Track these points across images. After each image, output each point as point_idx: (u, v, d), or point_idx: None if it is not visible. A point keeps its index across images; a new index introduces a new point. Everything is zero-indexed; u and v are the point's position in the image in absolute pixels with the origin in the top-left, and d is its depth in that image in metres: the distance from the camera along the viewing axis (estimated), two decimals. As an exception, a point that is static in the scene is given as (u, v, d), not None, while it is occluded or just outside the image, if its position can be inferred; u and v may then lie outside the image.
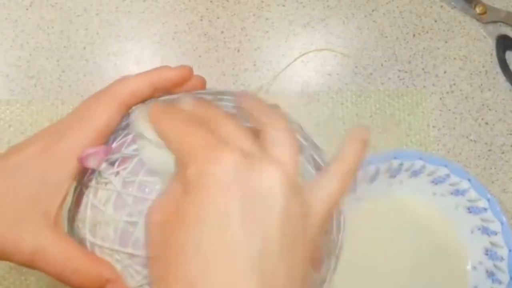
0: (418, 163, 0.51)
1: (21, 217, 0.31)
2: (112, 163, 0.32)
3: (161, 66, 0.36)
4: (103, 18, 0.56)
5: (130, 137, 0.33)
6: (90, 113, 0.33)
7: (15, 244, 0.31)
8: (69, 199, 0.35)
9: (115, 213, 0.31)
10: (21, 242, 0.31)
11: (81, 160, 0.32)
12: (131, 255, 0.31)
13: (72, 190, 0.34)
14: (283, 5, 0.58)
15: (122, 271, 0.31)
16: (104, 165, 0.32)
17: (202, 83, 0.37)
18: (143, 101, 0.35)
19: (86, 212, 0.32)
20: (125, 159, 0.32)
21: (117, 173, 0.32)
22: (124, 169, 0.32)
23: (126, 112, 0.35)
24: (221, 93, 0.36)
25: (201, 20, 0.57)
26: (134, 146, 0.32)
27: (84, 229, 0.32)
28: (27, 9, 0.56)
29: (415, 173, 0.52)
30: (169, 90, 0.36)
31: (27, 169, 0.32)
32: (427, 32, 0.59)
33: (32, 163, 0.32)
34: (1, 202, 0.31)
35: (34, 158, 0.32)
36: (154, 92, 0.35)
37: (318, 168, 0.35)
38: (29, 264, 0.31)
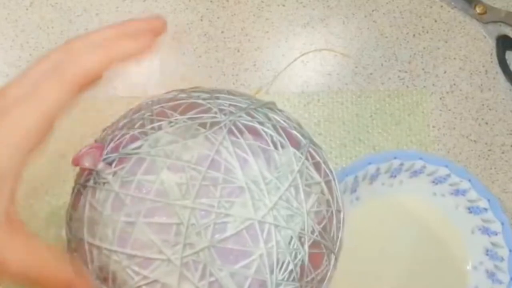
0: (419, 163, 0.51)
1: None
2: (109, 163, 0.32)
3: (125, 22, 0.32)
4: (103, 18, 0.56)
5: (127, 136, 0.33)
6: (36, 92, 0.29)
7: None
8: (66, 200, 0.34)
9: (113, 213, 0.31)
10: None
11: (76, 160, 0.32)
12: (130, 256, 0.31)
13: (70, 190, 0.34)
14: (283, 5, 0.58)
15: (121, 272, 0.31)
16: (101, 165, 0.32)
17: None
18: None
19: (84, 212, 0.32)
20: (122, 159, 0.32)
21: (115, 173, 0.32)
22: (122, 168, 0.32)
23: (79, 91, 0.30)
24: (217, 91, 0.36)
25: (201, 20, 0.57)
26: (132, 146, 0.32)
27: (82, 230, 0.32)
28: (27, 9, 0.56)
29: (415, 173, 0.52)
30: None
31: None
32: (427, 32, 0.59)
33: None
34: None
35: None
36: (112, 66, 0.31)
37: (316, 165, 0.35)
38: None
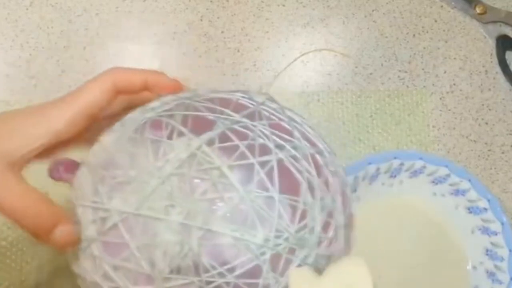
0: (419, 163, 0.51)
1: None
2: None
3: (157, 71, 0.37)
4: (103, 18, 0.56)
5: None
6: (80, 89, 0.35)
7: None
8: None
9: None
10: None
11: (49, 172, 0.34)
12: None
13: None
14: (283, 5, 0.58)
15: None
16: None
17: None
18: (132, 93, 0.36)
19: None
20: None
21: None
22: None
23: (114, 98, 0.35)
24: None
25: (201, 20, 0.57)
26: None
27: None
28: (27, 9, 0.56)
29: (415, 173, 0.52)
30: (157, 93, 0.36)
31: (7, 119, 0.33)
32: (427, 32, 0.59)
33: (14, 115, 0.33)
34: None
35: (20, 113, 0.34)
36: (143, 89, 0.36)
37: (309, 141, 0.34)
38: None
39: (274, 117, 0.34)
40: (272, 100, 0.36)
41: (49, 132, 0.33)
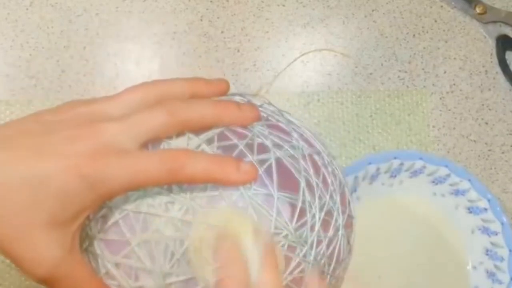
0: (419, 163, 0.51)
1: (39, 233, 0.28)
2: None
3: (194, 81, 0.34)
4: (103, 18, 0.56)
5: None
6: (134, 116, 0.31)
7: (32, 261, 0.28)
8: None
9: None
10: (39, 261, 0.29)
11: None
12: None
13: None
14: (283, 5, 0.58)
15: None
16: None
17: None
18: None
19: None
20: None
21: None
22: None
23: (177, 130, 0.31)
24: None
25: (201, 20, 0.57)
26: None
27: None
28: (27, 9, 0.56)
29: (415, 173, 0.52)
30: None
31: (50, 185, 0.28)
32: (427, 32, 0.59)
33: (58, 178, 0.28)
34: (21, 211, 0.28)
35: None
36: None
37: (307, 141, 0.34)
38: (34, 280, 0.30)
39: (272, 119, 0.34)
40: (270, 103, 0.36)
41: (98, 198, 0.30)
